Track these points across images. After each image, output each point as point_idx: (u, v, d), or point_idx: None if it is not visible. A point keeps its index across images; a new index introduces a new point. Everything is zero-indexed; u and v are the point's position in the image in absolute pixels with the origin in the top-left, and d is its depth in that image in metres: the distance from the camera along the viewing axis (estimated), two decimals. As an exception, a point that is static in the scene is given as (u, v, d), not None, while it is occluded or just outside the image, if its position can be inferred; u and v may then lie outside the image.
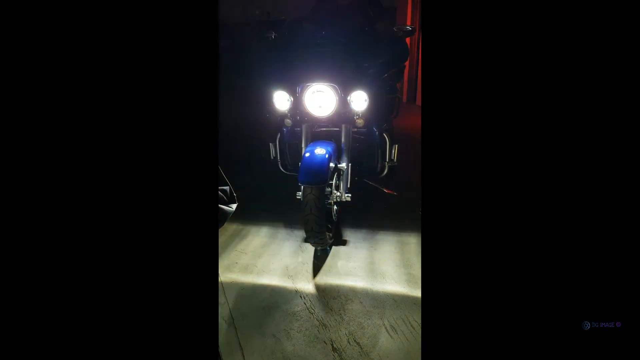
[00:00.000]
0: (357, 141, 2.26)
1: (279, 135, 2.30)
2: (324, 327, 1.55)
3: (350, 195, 2.09)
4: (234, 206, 0.87)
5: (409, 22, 5.50)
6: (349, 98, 1.92)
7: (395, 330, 1.52)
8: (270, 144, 2.30)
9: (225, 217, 0.83)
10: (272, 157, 2.33)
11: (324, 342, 1.48)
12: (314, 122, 2.05)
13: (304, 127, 2.08)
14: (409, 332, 1.51)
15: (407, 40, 2.44)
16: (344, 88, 1.91)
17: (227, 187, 0.88)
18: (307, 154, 1.86)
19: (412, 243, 2.15)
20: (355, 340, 1.48)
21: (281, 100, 2.00)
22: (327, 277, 1.88)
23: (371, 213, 2.52)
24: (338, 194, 2.07)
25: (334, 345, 1.46)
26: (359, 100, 1.91)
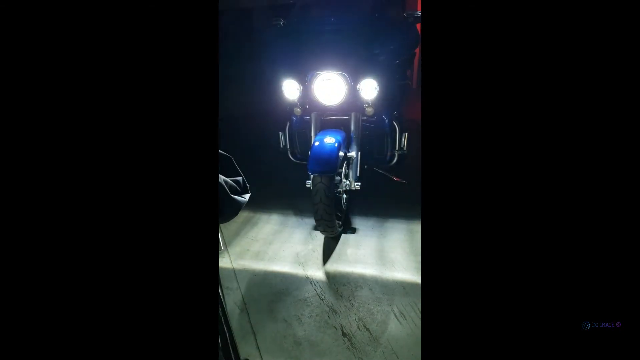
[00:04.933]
0: (366, 129, 2.26)
1: (288, 124, 2.30)
2: (334, 313, 1.58)
3: (359, 183, 2.10)
4: (247, 196, 0.88)
5: (419, 7, 5.39)
6: (358, 86, 1.91)
7: (404, 317, 1.55)
8: (280, 132, 2.31)
9: (239, 207, 0.84)
10: (281, 146, 2.34)
11: (334, 327, 1.51)
12: (323, 110, 2.05)
13: (313, 115, 2.08)
14: (417, 318, 1.53)
15: (418, 26, 2.41)
16: (354, 76, 1.90)
17: (240, 178, 0.89)
18: (317, 143, 1.86)
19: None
20: (364, 326, 1.51)
21: (290, 89, 2.00)
22: (337, 265, 1.91)
23: (380, 200, 2.53)
24: (347, 182, 2.08)
25: (344, 331, 1.49)
26: (369, 88, 1.90)
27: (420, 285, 1.72)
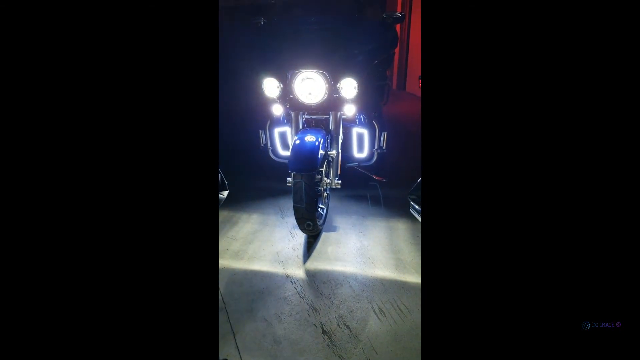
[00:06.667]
0: (346, 128, 2.27)
1: (268, 122, 2.30)
2: (314, 311, 1.58)
3: (340, 181, 2.10)
4: (225, 193, 0.88)
5: (399, 8, 5.46)
6: (338, 85, 1.92)
7: (384, 313, 1.56)
8: (260, 130, 2.30)
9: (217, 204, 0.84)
10: (262, 144, 2.33)
11: (314, 325, 1.51)
12: (303, 109, 2.05)
13: (293, 114, 2.08)
14: (397, 315, 1.55)
15: (397, 27, 2.44)
16: (334, 75, 1.91)
17: (217, 175, 0.89)
18: (298, 142, 1.86)
19: (401, 229, 2.19)
20: (344, 323, 1.52)
21: (270, 87, 1.99)
22: (317, 263, 1.91)
23: (360, 198, 2.55)
24: (328, 180, 2.08)
25: (324, 328, 1.49)
26: (349, 88, 1.91)
27: (399, 282, 1.75)
